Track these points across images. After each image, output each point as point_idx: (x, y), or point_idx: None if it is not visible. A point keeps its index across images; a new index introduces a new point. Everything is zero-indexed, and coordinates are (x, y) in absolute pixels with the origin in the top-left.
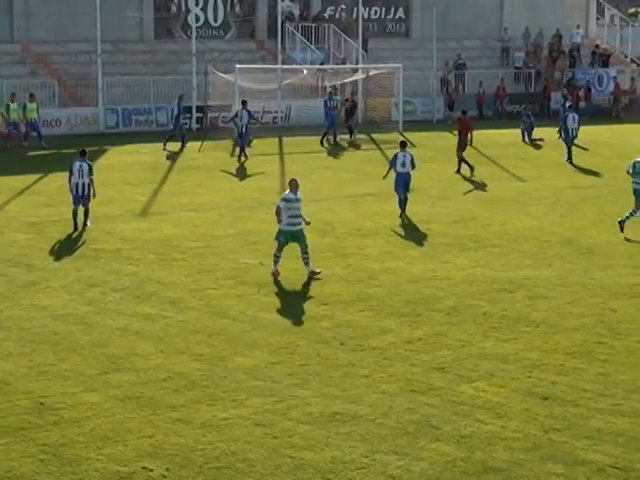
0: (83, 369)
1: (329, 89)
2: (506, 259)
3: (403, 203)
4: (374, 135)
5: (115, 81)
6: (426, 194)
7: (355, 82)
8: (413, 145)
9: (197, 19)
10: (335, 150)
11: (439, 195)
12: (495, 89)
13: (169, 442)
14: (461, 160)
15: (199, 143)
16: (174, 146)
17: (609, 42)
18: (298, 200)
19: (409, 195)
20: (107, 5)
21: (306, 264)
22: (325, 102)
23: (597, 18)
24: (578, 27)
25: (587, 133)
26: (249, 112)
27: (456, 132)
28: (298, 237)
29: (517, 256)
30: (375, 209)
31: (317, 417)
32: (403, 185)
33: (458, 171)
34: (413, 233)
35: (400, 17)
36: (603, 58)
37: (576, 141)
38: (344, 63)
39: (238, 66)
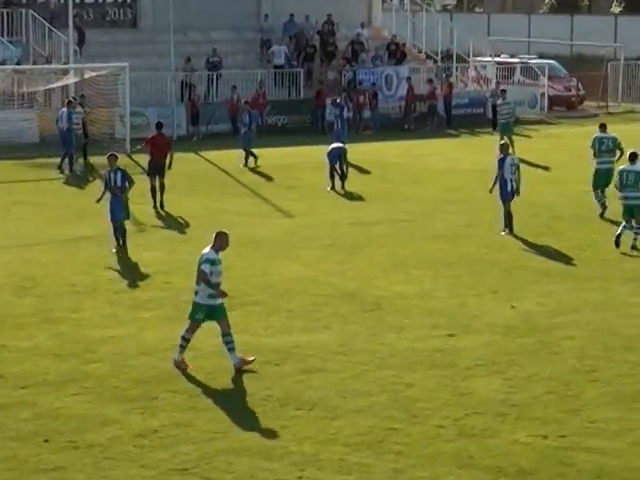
0: None
1: (69, 99)
2: (270, 321)
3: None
4: (92, 158)
5: None
6: (162, 236)
7: (66, 87)
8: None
9: None
10: (42, 180)
11: (180, 237)
12: (253, 95)
13: None
14: (153, 191)
15: None
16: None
17: (399, 32)
18: (221, 262)
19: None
20: None
21: (230, 350)
22: (68, 115)
23: (383, 1)
24: (363, 24)
25: (372, 152)
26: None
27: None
28: (219, 314)
29: (285, 316)
30: (93, 257)
31: None
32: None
33: (156, 206)
34: (146, 288)
35: (125, 1)
36: (397, 54)
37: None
38: (50, 62)
39: None
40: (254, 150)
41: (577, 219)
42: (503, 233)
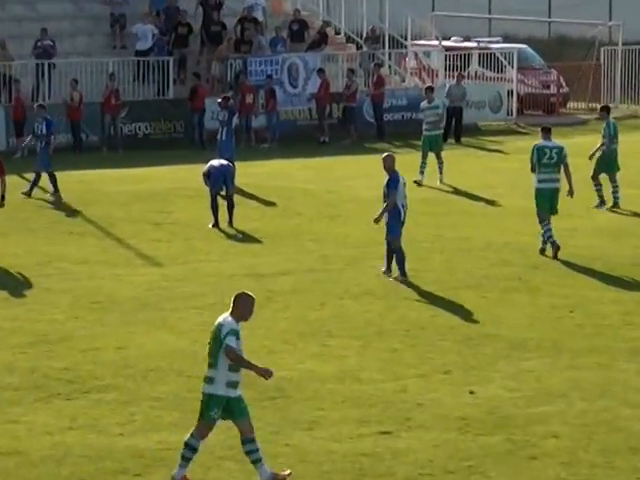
0: None
1: None
2: (129, 413)
3: None
4: None
5: None
6: None
7: None
8: None
9: None
10: None
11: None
12: (103, 94)
13: None
14: None
15: None
16: None
17: (307, 5)
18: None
19: None
20: None
21: (257, 462)
22: None
23: None
24: None
25: (272, 174)
26: None
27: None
28: (238, 409)
29: (149, 407)
30: None
31: None
32: None
33: None
34: None
35: None
36: (301, 36)
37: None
38: None
39: None
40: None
41: (561, 268)
42: (387, 275)
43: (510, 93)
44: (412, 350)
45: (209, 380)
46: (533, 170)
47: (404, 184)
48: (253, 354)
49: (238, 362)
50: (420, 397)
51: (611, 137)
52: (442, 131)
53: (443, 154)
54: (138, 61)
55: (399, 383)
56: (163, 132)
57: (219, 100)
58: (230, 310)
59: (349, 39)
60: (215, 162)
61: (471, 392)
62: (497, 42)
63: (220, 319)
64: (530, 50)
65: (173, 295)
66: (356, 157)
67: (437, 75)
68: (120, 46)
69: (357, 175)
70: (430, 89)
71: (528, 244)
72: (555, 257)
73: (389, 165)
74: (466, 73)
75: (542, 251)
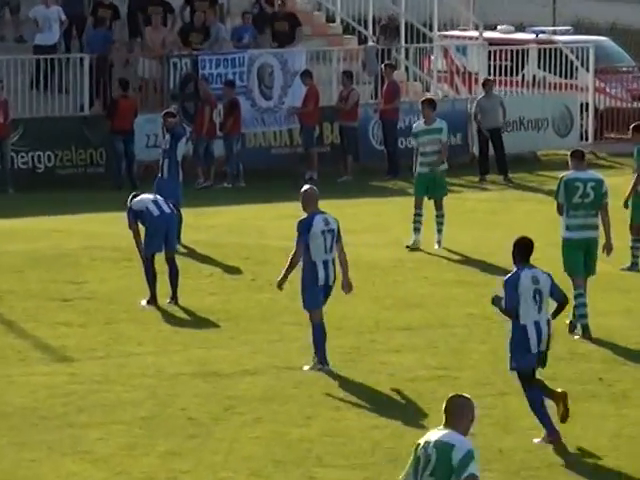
0: None
1: None
2: None
3: None
4: None
5: None
6: None
7: None
8: None
9: None
10: None
11: None
12: None
13: None
14: None
15: None
16: None
17: None
18: None
19: None
20: None
21: None
22: None
23: None
24: None
25: (235, 227)
26: None
27: None
28: None
29: None
30: None
31: None
32: None
33: None
34: None
35: None
36: (263, 23)
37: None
38: None
39: None
40: None
41: None
42: (306, 367)
43: (584, 107)
44: None
45: None
46: (561, 212)
47: (328, 231)
48: None
49: None
50: None
51: None
52: (445, 167)
53: (445, 201)
54: (38, 60)
55: None
56: (74, 164)
57: (162, 118)
58: (449, 425)
59: (349, 28)
60: (151, 203)
61: None
62: (565, 33)
63: (443, 437)
64: (613, 44)
65: (88, 404)
66: (357, 201)
67: (477, 81)
68: (14, 39)
69: (359, 228)
70: (430, 104)
71: (612, 328)
72: (587, 338)
73: (306, 202)
74: (520, 78)
75: (572, 328)
